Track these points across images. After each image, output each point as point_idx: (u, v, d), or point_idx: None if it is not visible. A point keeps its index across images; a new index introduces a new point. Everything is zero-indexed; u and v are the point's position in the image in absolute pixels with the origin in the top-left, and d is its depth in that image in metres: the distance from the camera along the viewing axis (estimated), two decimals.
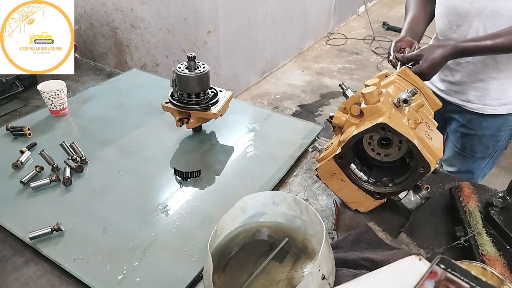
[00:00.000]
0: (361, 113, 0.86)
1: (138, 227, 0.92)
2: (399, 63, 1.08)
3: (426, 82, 1.12)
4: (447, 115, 1.33)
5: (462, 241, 0.83)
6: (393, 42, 1.15)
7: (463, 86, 1.23)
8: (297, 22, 3.92)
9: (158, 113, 1.31)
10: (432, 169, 0.82)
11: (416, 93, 0.82)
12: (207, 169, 1.11)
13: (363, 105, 0.84)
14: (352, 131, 0.86)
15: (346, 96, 0.92)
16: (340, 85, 0.96)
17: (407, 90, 0.81)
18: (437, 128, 1.44)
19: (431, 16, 1.26)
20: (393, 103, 0.83)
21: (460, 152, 1.33)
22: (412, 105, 0.84)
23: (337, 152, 0.88)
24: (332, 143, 0.97)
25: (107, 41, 3.21)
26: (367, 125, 0.82)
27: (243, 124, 1.32)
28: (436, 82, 1.32)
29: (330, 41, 4.54)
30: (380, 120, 0.79)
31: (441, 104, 1.02)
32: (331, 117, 0.95)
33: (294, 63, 4.06)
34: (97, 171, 1.09)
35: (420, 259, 0.60)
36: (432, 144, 0.83)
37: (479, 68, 1.17)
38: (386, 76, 1.00)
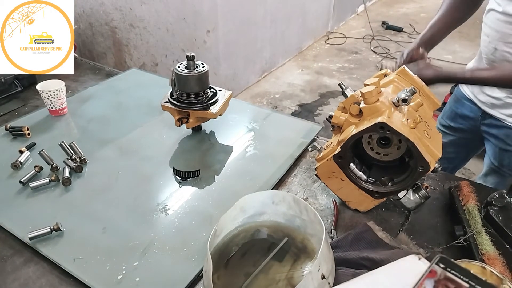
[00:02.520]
0: (360, 113, 0.86)
1: (138, 227, 0.92)
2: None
3: (470, 91, 1.03)
4: (485, 129, 1.29)
5: (462, 240, 0.83)
6: (405, 51, 1.11)
7: (504, 101, 1.18)
8: (296, 21, 3.92)
9: (158, 112, 1.31)
10: (431, 168, 0.82)
11: (415, 93, 0.82)
12: (206, 168, 1.11)
13: (362, 105, 0.84)
14: (352, 130, 0.86)
15: (346, 96, 0.92)
16: (339, 85, 0.96)
17: (406, 89, 0.81)
18: (472, 142, 1.36)
19: (456, 22, 1.22)
20: (392, 102, 0.83)
21: (497, 169, 1.28)
22: (411, 104, 0.84)
23: (336, 152, 0.88)
24: (331, 143, 0.97)
25: (106, 40, 3.21)
26: (366, 124, 0.82)
27: (242, 124, 1.32)
28: (478, 94, 1.27)
29: (330, 40, 4.54)
30: (379, 119, 0.79)
31: (440, 103, 1.02)
32: (330, 117, 0.95)
33: (293, 62, 4.06)
34: (96, 171, 1.09)
35: (419, 259, 0.60)
36: (431, 143, 0.83)
37: None
38: (385, 76, 1.00)
